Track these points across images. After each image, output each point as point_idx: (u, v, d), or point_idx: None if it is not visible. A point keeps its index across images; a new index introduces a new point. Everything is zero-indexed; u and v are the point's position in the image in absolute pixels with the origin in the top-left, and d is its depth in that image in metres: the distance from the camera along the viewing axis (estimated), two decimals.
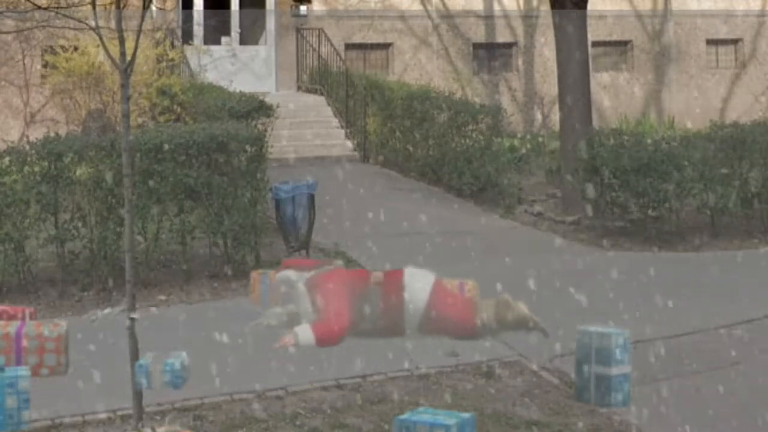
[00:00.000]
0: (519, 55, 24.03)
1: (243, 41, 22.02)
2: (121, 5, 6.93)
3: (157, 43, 19.21)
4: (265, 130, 14.92)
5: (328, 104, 20.64)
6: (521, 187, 17.08)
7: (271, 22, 21.99)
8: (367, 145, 19.28)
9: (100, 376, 8.68)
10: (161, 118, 17.84)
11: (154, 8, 20.00)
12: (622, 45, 25.13)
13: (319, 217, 12.56)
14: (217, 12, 21.66)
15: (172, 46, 19.90)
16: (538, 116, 23.97)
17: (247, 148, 12.26)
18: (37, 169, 11.37)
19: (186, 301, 11.15)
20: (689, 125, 22.94)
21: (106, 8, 11.22)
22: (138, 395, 6.80)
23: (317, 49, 21.59)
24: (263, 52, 22.02)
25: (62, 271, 11.47)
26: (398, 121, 18.45)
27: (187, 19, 21.27)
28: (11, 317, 8.09)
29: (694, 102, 25.38)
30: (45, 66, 19.46)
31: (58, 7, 12.00)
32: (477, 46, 23.68)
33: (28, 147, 11.50)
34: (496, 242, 13.83)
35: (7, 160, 11.42)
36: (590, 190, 14.30)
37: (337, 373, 8.92)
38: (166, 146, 11.69)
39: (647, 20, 25.15)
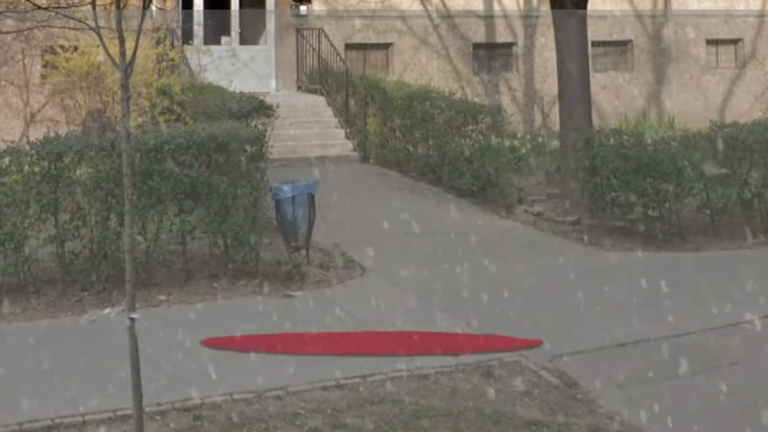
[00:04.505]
0: (519, 55, 24.03)
1: (243, 41, 22.03)
2: (121, 5, 6.93)
3: (157, 43, 19.21)
4: (265, 130, 14.92)
5: (328, 104, 20.65)
6: (521, 187, 17.08)
7: (271, 22, 22.00)
8: (367, 145, 19.28)
9: (100, 376, 8.69)
10: (161, 118, 17.84)
11: (154, 8, 20.00)
12: (622, 45, 25.14)
13: (319, 217, 12.56)
14: (217, 12, 21.66)
15: (172, 46, 19.90)
16: (538, 116, 23.98)
17: (247, 148, 12.25)
18: (37, 169, 11.35)
19: (186, 301, 11.15)
20: (689, 125, 22.96)
21: (106, 8, 11.22)
22: (138, 395, 6.80)
23: (317, 49, 21.60)
24: (263, 52, 22.02)
25: (62, 271, 11.47)
26: (398, 121, 18.45)
27: (187, 19, 21.28)
28: None
29: (694, 102, 25.38)
30: (45, 66, 19.46)
31: (58, 7, 11.98)
32: (477, 46, 23.69)
33: (28, 147, 11.49)
34: (496, 242, 13.83)
35: (7, 160, 11.40)
36: (590, 190, 14.33)
37: (337, 373, 8.93)
38: (166, 146, 11.69)
39: (647, 20, 25.16)
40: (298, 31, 21.97)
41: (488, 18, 23.68)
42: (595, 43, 23.20)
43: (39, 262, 11.54)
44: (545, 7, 20.10)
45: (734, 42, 26.19)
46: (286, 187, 12.18)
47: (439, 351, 9.52)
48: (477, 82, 23.47)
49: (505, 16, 23.81)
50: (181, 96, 18.25)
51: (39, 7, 10.05)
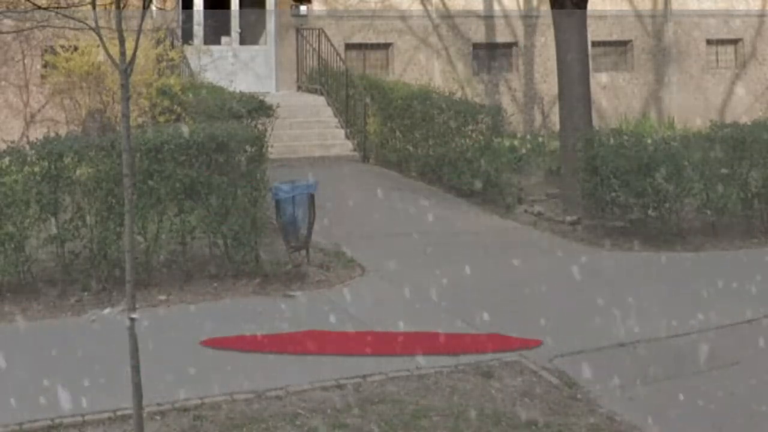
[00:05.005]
0: (519, 55, 24.03)
1: (243, 41, 22.03)
2: (121, 5, 6.93)
3: (157, 43, 19.21)
4: (265, 130, 14.91)
5: (328, 104, 20.65)
6: (521, 187, 17.09)
7: (271, 22, 22.00)
8: (367, 145, 19.28)
9: (100, 376, 8.68)
10: (161, 118, 17.84)
11: (154, 8, 20.00)
12: (622, 45, 25.14)
13: (320, 217, 12.56)
14: (217, 12, 21.66)
15: (172, 46, 19.90)
16: (538, 116, 23.98)
17: (247, 148, 12.25)
18: (37, 169, 11.35)
19: (186, 301, 11.15)
20: (689, 125, 22.96)
21: (106, 8, 11.19)
22: (138, 395, 6.79)
23: (317, 49, 21.60)
24: (263, 52, 22.03)
25: (62, 271, 11.47)
26: (398, 121, 18.45)
27: (187, 19, 21.29)
28: None
29: (694, 102, 25.38)
30: (45, 66, 19.46)
31: (58, 7, 11.97)
32: (477, 46, 23.69)
33: (28, 147, 11.49)
34: (496, 242, 13.83)
35: (7, 160, 11.39)
36: (590, 190, 14.34)
37: (337, 373, 8.93)
38: (166, 146, 11.69)
39: (647, 20, 25.16)
40: (298, 31, 21.97)
41: (488, 18, 23.68)
42: (595, 43, 23.20)
43: (39, 262, 11.54)
44: (545, 7, 20.10)
45: (734, 42, 26.19)
46: (286, 187, 12.18)
47: (439, 351, 9.52)
48: (477, 82, 23.47)
49: (505, 16, 23.81)
50: (181, 96, 18.24)
51: (39, 7, 10.05)
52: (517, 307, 10.90)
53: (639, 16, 25.04)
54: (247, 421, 7.99)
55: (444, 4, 23.24)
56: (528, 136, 22.54)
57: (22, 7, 16.14)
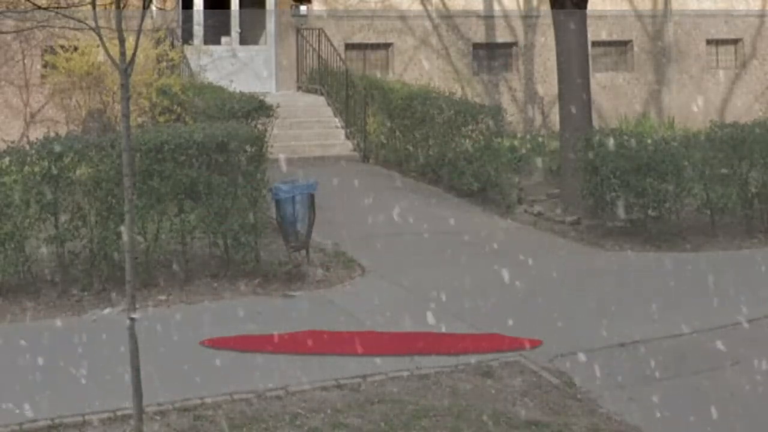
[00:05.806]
0: (519, 55, 24.04)
1: (243, 41, 22.04)
2: (121, 5, 6.93)
3: (157, 43, 19.22)
4: (265, 130, 14.92)
5: (328, 104, 20.66)
6: (521, 187, 17.09)
7: (271, 22, 22.01)
8: (367, 145, 19.28)
9: (100, 376, 8.68)
10: (161, 118, 17.85)
11: (154, 8, 20.01)
12: (622, 45, 25.14)
13: (319, 217, 12.56)
14: (217, 12, 21.67)
15: (172, 46, 19.91)
16: (538, 116, 23.98)
17: (247, 148, 12.25)
18: (37, 169, 11.35)
19: (186, 301, 11.15)
20: (689, 125, 22.96)
21: (106, 8, 11.20)
22: (138, 395, 6.80)
23: (317, 49, 21.60)
24: (263, 52, 22.03)
25: (62, 271, 11.47)
26: (398, 121, 18.45)
27: (187, 19, 21.30)
28: None
29: (694, 102, 25.38)
30: (45, 66, 19.47)
31: (58, 7, 11.98)
32: (477, 46, 23.70)
33: (28, 147, 11.49)
34: (496, 242, 13.82)
35: (7, 160, 11.39)
36: (590, 190, 14.34)
37: (337, 373, 8.93)
38: (166, 146, 11.69)
39: (647, 20, 25.16)
40: (298, 31, 21.98)
41: (488, 18, 23.68)
42: (595, 43, 23.20)
43: (39, 262, 11.54)
44: (545, 7, 20.10)
45: (734, 42, 26.20)
46: (286, 187, 12.18)
47: (439, 351, 9.52)
48: (477, 82, 23.48)
49: (505, 16, 23.82)
50: (181, 96, 18.24)
51: (39, 7, 10.06)
52: (518, 306, 10.90)
53: (639, 16, 25.04)
54: (247, 421, 8.00)
55: (444, 4, 23.25)
56: (528, 136, 22.54)
57: (22, 7, 16.14)
